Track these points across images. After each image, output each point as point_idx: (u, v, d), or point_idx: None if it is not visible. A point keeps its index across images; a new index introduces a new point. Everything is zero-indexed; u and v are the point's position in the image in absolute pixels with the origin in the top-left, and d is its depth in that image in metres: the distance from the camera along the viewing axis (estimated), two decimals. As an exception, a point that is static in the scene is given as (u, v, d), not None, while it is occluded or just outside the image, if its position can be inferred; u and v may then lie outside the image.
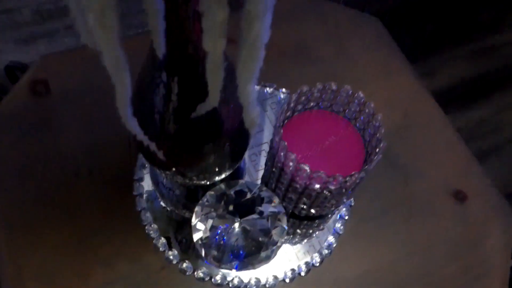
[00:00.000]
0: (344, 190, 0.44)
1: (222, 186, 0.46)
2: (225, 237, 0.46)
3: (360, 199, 0.55)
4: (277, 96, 0.60)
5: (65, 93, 0.56)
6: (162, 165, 0.40)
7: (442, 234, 0.54)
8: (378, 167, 0.44)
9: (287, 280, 0.48)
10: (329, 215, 0.54)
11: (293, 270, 0.49)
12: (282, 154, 0.42)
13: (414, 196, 0.56)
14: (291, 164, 0.42)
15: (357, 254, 0.51)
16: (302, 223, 0.54)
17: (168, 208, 0.51)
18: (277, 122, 0.42)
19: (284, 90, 0.60)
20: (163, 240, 0.48)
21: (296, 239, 0.53)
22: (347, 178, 0.41)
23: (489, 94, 1.51)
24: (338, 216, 0.54)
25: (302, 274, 0.48)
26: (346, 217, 0.53)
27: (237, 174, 0.54)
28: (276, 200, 0.47)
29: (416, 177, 0.57)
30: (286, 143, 0.40)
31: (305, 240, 0.52)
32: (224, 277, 0.47)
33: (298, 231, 0.53)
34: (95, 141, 0.54)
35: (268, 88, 0.60)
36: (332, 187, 0.42)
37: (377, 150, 0.42)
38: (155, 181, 0.53)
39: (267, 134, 0.58)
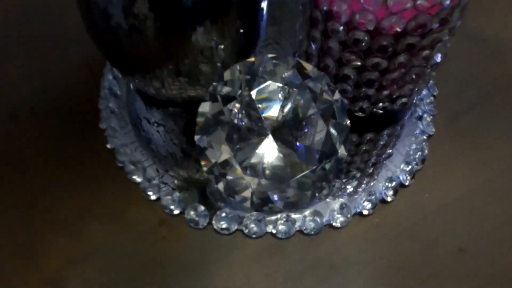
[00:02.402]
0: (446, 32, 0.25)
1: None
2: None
3: (444, 87, 0.37)
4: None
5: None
6: (145, 64, 0.28)
7: None
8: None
9: (366, 211, 0.29)
10: (405, 112, 0.35)
11: (370, 197, 0.30)
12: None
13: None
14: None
15: (455, 166, 0.32)
16: (363, 136, 0.35)
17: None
18: None
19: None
20: (154, 181, 0.30)
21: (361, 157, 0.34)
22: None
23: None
24: (417, 114, 0.35)
25: (389, 199, 0.30)
26: (427, 116, 0.34)
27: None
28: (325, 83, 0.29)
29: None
30: None
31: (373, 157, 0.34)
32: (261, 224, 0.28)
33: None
34: (38, 72, 0.36)
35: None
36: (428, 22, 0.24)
37: None
38: (134, 117, 0.35)
39: None
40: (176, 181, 0.30)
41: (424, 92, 0.36)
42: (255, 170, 0.29)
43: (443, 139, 0.33)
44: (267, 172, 0.29)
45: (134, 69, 0.30)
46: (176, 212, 0.28)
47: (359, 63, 0.28)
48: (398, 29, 0.25)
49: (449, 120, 0.35)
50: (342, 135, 0.29)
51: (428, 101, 0.35)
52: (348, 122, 0.30)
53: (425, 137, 0.32)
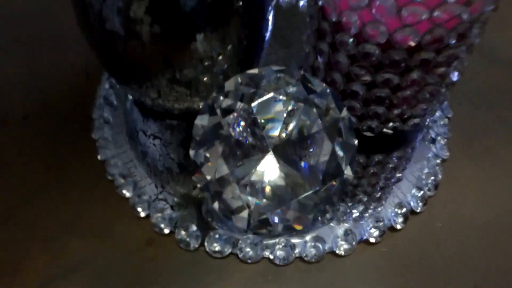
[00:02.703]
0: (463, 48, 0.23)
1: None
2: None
3: (458, 108, 0.35)
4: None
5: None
6: (141, 72, 0.27)
7: None
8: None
9: (373, 239, 0.27)
10: (417, 133, 0.33)
11: (377, 223, 0.28)
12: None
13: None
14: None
15: (471, 192, 0.30)
16: (371, 158, 0.33)
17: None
18: None
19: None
20: (146, 196, 0.28)
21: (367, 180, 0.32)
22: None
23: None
24: (430, 137, 0.33)
25: (398, 227, 0.27)
26: (441, 139, 0.32)
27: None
28: (331, 100, 0.27)
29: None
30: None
31: (381, 180, 0.32)
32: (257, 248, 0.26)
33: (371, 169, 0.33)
34: (32, 76, 0.35)
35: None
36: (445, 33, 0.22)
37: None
38: (130, 129, 0.33)
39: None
40: (175, 199, 0.28)
41: (438, 113, 0.34)
42: (254, 189, 0.27)
43: (457, 163, 0.31)
44: (267, 191, 0.27)
45: (129, 76, 0.28)
46: (166, 231, 0.26)
47: (368, 79, 0.27)
48: (412, 43, 0.23)
49: (464, 143, 0.32)
50: (349, 155, 0.27)
51: (442, 123, 0.33)
52: (356, 141, 0.28)
53: (438, 161, 0.30)
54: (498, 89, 0.37)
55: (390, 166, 0.33)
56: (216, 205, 0.26)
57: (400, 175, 0.32)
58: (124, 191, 0.28)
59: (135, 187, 0.28)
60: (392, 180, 0.32)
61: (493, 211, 0.29)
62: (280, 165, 0.26)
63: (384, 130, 0.30)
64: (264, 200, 0.26)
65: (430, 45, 0.23)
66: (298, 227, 0.27)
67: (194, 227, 0.26)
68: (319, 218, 0.27)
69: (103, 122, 0.31)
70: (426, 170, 0.30)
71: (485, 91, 0.37)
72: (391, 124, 0.29)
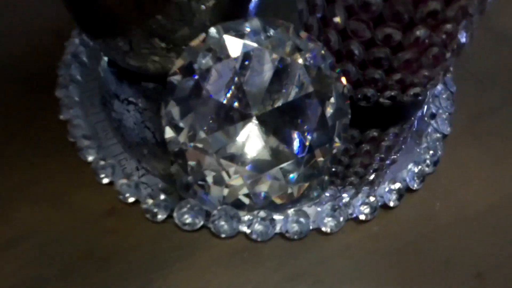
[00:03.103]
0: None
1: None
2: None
3: (463, 84, 0.32)
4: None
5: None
6: (111, 19, 0.24)
7: None
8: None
9: (364, 216, 0.24)
10: (416, 108, 0.30)
11: (370, 201, 0.24)
12: None
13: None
14: None
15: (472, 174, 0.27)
16: (365, 133, 0.30)
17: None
18: None
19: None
20: (107, 161, 0.25)
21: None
22: None
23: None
24: (431, 111, 0.30)
25: (392, 204, 0.25)
26: (443, 113, 0.29)
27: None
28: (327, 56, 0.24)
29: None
30: None
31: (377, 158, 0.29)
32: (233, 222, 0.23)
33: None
34: None
35: None
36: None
37: None
38: (104, 93, 0.30)
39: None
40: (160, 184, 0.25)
41: (440, 87, 0.31)
42: (233, 157, 0.24)
43: (461, 141, 0.28)
44: (247, 159, 0.24)
45: (100, 27, 0.25)
46: (131, 200, 0.23)
47: (367, 35, 0.24)
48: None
49: (468, 121, 0.30)
50: (340, 123, 0.25)
51: (445, 96, 0.30)
52: (349, 109, 0.25)
53: (438, 135, 0.27)
54: (506, 68, 0.34)
55: (386, 144, 0.30)
56: (190, 173, 0.23)
57: (395, 156, 0.29)
58: (86, 155, 0.25)
59: (99, 150, 0.25)
60: (387, 162, 0.29)
61: (497, 194, 0.26)
62: (262, 132, 0.23)
63: (381, 100, 0.27)
64: (243, 169, 0.23)
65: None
66: (279, 201, 0.24)
67: (162, 196, 0.23)
68: (304, 192, 0.24)
69: (70, 80, 0.28)
70: (424, 145, 0.27)
71: (493, 69, 0.34)
72: (388, 92, 0.26)
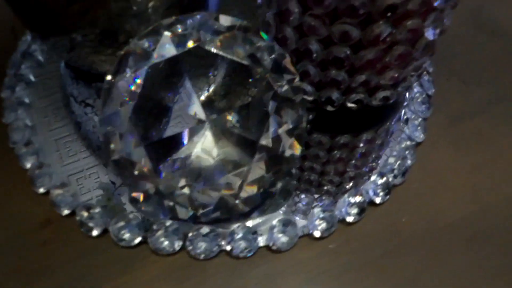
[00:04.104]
0: None
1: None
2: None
3: (445, 84, 0.29)
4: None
5: None
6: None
7: None
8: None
9: (319, 233, 0.22)
10: (389, 111, 0.27)
11: (327, 219, 0.22)
12: None
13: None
14: None
15: (446, 183, 0.25)
16: (336, 139, 0.28)
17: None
18: None
19: None
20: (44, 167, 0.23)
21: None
22: None
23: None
24: (406, 116, 0.28)
25: (351, 219, 0.22)
26: (415, 118, 0.27)
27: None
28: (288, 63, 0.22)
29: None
30: None
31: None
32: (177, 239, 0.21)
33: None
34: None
35: None
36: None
37: None
38: (63, 94, 0.28)
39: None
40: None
41: (417, 89, 0.29)
42: (173, 165, 0.22)
43: (435, 148, 0.26)
44: (192, 167, 0.22)
45: (38, 21, 0.23)
46: (66, 212, 0.22)
47: (323, 32, 0.21)
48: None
49: (447, 125, 0.27)
50: (294, 127, 0.22)
51: (420, 100, 0.27)
52: (303, 112, 0.23)
53: (408, 142, 0.25)
54: (495, 66, 0.31)
55: (360, 151, 0.28)
56: (126, 182, 0.21)
57: (373, 163, 0.27)
58: (24, 161, 0.23)
59: (38, 157, 0.23)
60: (365, 169, 0.27)
61: (472, 204, 0.24)
62: (210, 135, 0.22)
63: (348, 104, 0.25)
64: (186, 178, 0.21)
65: None
66: (242, 206, 0.22)
67: (98, 208, 0.21)
68: (257, 205, 0.22)
69: (16, 80, 0.26)
70: (394, 153, 0.24)
71: (479, 68, 0.31)
72: (354, 96, 0.24)
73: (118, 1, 0.21)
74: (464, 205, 0.23)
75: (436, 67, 0.30)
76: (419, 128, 0.26)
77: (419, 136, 0.25)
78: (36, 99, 0.27)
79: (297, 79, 0.22)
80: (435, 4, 0.19)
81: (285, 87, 0.21)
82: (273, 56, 0.21)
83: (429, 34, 0.21)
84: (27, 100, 0.26)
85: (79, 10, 0.22)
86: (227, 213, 0.22)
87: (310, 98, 0.24)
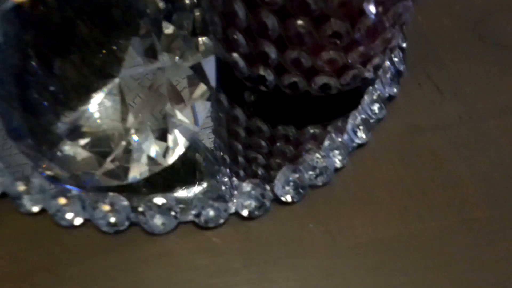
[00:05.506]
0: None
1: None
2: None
3: (416, 92, 0.26)
4: None
5: None
6: None
7: None
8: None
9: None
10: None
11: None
12: None
13: None
14: None
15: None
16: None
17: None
18: None
19: None
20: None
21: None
22: None
23: None
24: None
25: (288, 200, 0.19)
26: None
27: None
28: None
29: None
30: None
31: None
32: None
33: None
34: None
35: None
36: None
37: None
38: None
39: None
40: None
41: (378, 86, 0.24)
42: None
43: (375, 157, 0.22)
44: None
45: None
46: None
47: (279, 1, 0.17)
48: None
49: (399, 134, 0.23)
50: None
51: (375, 97, 0.23)
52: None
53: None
54: (485, 78, 0.27)
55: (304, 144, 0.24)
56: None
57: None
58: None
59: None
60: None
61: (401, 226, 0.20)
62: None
63: (314, 88, 0.21)
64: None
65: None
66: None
67: (36, 181, 0.19)
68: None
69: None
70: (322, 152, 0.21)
71: (465, 78, 0.27)
72: (320, 78, 0.20)
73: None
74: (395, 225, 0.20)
75: (412, 69, 0.26)
76: (361, 127, 0.22)
77: (362, 137, 0.22)
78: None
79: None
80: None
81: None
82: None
83: (400, 7, 0.17)
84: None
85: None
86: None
87: (243, 75, 0.21)
